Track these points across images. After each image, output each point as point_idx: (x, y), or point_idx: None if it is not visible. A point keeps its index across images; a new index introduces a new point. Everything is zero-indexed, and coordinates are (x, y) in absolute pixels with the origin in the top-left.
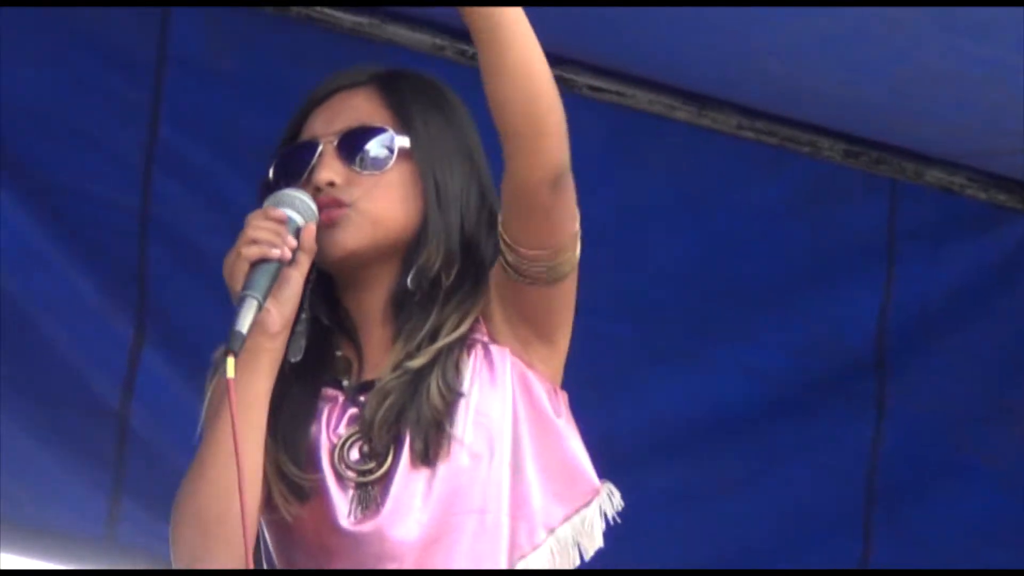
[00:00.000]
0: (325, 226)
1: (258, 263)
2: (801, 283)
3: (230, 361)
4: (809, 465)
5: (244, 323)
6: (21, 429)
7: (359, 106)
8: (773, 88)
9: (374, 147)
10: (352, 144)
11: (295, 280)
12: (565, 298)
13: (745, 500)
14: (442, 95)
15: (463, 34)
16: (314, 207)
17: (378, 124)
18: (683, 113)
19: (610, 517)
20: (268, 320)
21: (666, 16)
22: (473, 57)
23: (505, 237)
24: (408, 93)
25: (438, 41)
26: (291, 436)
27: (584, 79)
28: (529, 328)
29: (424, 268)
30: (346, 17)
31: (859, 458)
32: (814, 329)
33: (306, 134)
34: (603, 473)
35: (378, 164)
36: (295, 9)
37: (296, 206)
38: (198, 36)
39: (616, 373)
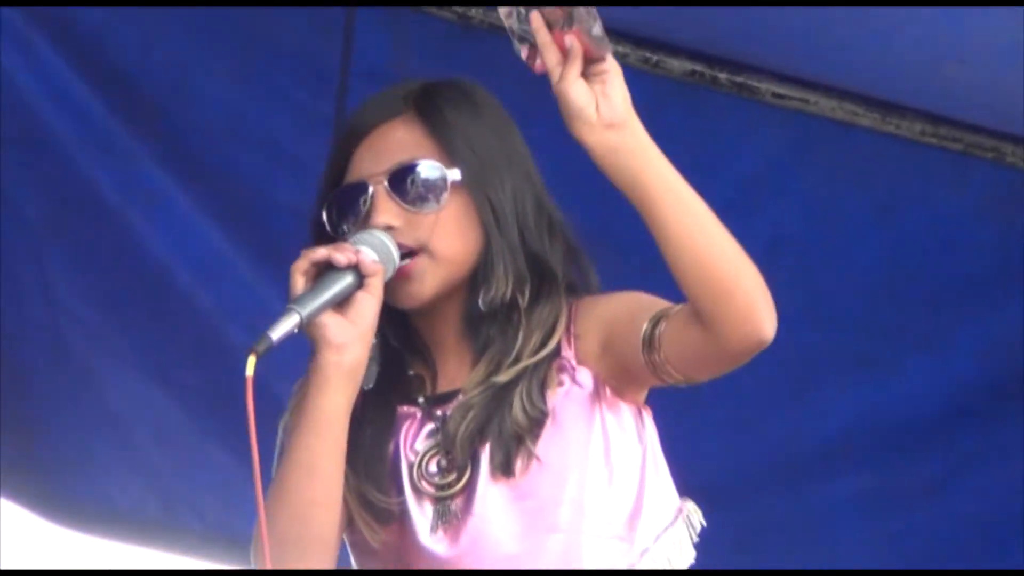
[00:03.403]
0: (399, 278)
1: (319, 279)
2: (988, 289)
3: (251, 360)
4: (997, 472)
5: (276, 330)
6: (210, 438)
7: (402, 140)
8: (956, 94)
9: (426, 183)
10: (403, 183)
11: (367, 304)
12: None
13: (933, 507)
14: (479, 104)
15: (646, 41)
16: (396, 253)
17: (425, 156)
18: (866, 120)
19: (694, 534)
20: (328, 333)
21: (849, 22)
22: (657, 64)
23: (662, 347)
24: (447, 113)
25: (620, 48)
26: (372, 462)
27: (768, 86)
28: (625, 379)
29: (498, 294)
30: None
31: None
32: (1001, 335)
33: (354, 173)
34: (790, 479)
35: (435, 201)
36: (478, 17)
37: (377, 248)
38: (382, 45)
39: (803, 380)
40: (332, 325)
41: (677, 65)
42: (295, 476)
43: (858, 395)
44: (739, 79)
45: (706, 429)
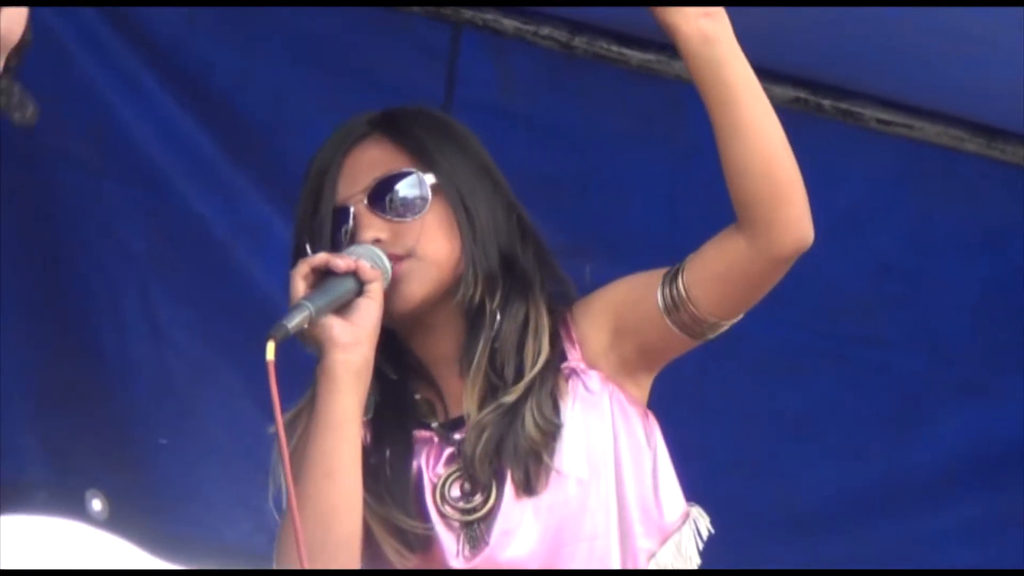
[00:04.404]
0: (391, 284)
1: (320, 284)
2: None
3: (270, 345)
4: None
5: (291, 320)
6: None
7: (374, 157)
8: None
9: (406, 192)
10: (383, 196)
11: (369, 308)
12: (693, 347)
13: None
14: (443, 121)
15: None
16: (388, 263)
17: (401, 169)
18: (972, 145)
19: (701, 540)
20: (335, 333)
21: (953, 48)
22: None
23: (686, 294)
24: (415, 128)
25: None
26: (395, 487)
27: (872, 112)
28: (639, 361)
29: (467, 294)
30: (634, 54)
31: None
32: None
33: (332, 199)
34: (896, 507)
35: (416, 208)
36: (582, 47)
37: (371, 258)
38: (485, 76)
39: (911, 406)
40: (337, 326)
41: (781, 92)
42: (313, 482)
43: (963, 422)
44: (843, 105)
45: (813, 455)
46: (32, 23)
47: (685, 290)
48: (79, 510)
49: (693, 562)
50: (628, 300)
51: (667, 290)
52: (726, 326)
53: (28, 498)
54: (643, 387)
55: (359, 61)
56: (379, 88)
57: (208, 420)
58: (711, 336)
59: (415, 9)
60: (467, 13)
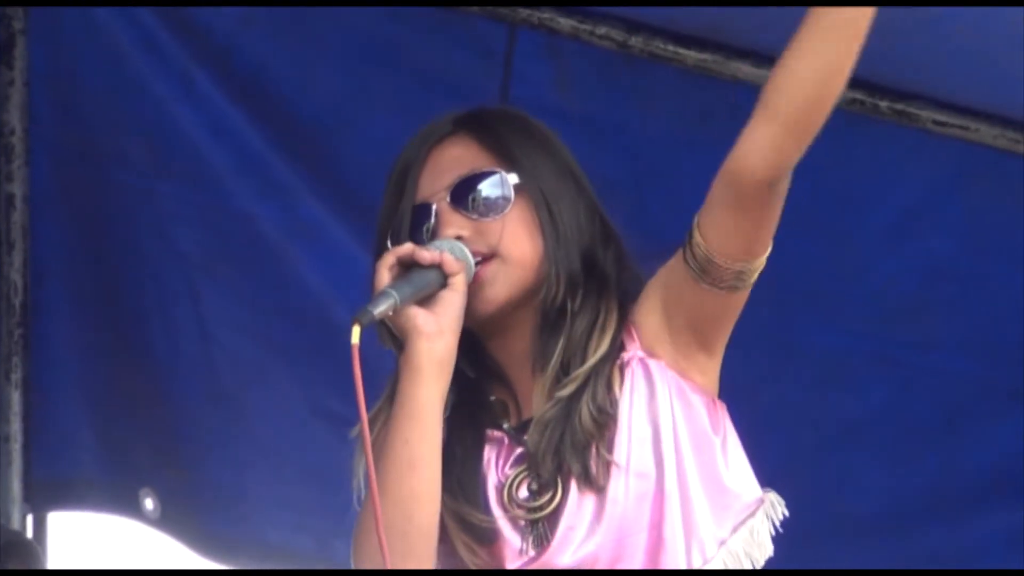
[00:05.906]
0: (474, 285)
1: (405, 275)
2: None
3: (355, 329)
4: None
5: (376, 306)
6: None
7: (458, 156)
8: None
9: (489, 191)
10: (465, 194)
11: (453, 299)
12: (738, 307)
13: None
14: (527, 121)
15: None
16: (471, 258)
17: (484, 168)
18: None
19: (776, 525)
20: (419, 322)
21: (1010, 49)
22: None
23: (702, 241)
24: (499, 127)
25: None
26: (466, 482)
27: (929, 113)
28: (693, 336)
29: (550, 295)
30: (690, 54)
31: None
32: None
33: (414, 198)
34: (945, 512)
35: (499, 207)
36: (639, 47)
37: (455, 251)
38: (541, 76)
39: (963, 410)
40: (421, 316)
41: None
42: (396, 470)
43: (1014, 426)
44: (899, 106)
45: (864, 460)
46: (88, 23)
47: (703, 240)
48: (133, 508)
49: (766, 548)
50: (664, 276)
51: (688, 251)
52: (753, 269)
53: (82, 495)
54: (707, 373)
55: (415, 60)
56: (435, 87)
57: (257, 421)
58: (745, 284)
59: (472, 8)
60: (523, 12)
